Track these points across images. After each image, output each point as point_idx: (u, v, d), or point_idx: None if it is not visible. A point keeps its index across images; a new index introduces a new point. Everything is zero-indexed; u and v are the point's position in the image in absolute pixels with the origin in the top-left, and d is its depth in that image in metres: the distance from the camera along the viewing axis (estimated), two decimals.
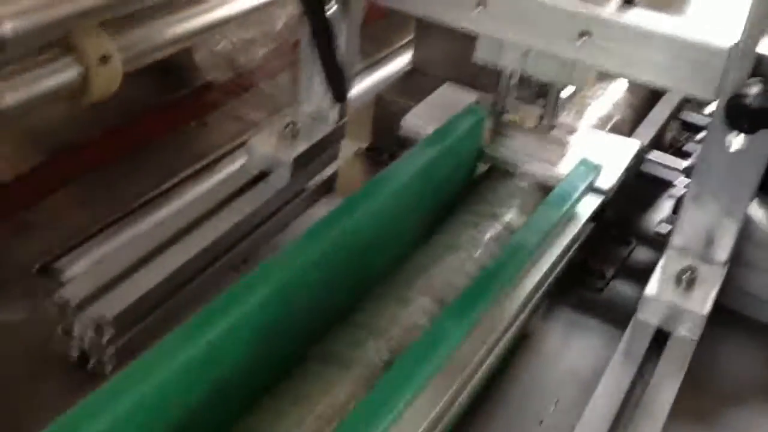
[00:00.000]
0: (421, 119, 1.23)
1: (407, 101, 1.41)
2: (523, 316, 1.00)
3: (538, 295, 1.02)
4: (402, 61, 1.75)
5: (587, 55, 1.05)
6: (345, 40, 1.18)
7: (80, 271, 1.07)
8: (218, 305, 0.78)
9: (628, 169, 1.20)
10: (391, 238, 1.02)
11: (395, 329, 0.90)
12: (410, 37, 1.64)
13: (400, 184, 1.01)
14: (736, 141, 0.94)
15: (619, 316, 1.15)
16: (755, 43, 0.93)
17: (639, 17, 1.02)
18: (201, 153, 1.34)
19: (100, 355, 0.95)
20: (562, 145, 1.18)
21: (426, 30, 1.57)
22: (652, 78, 1.04)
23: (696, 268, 1.04)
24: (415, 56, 1.60)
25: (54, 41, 1.06)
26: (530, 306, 1.01)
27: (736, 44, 0.95)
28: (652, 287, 1.03)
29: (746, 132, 0.93)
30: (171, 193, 1.21)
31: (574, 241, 1.09)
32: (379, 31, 1.88)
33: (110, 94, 1.10)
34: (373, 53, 1.76)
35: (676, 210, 1.23)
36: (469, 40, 1.18)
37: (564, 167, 1.16)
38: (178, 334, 0.75)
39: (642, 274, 1.23)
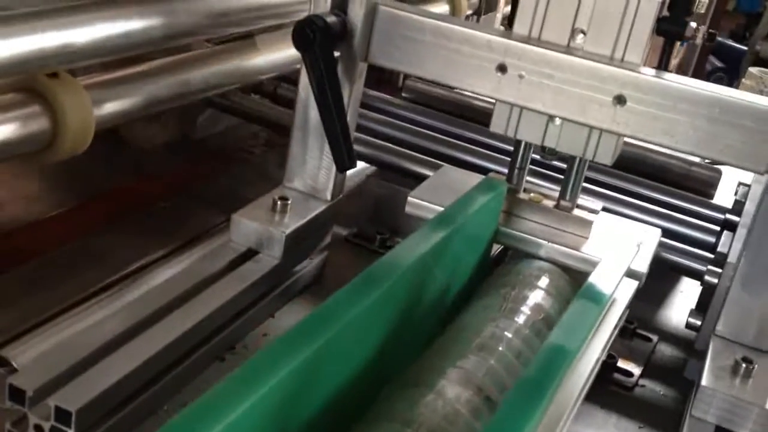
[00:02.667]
0: (429, 196, 1.10)
1: (399, 185, 1.32)
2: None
3: (582, 397, 0.88)
4: None
5: (621, 123, 0.96)
6: (347, 108, 1.07)
7: (37, 356, 0.88)
8: None
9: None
10: (412, 321, 0.87)
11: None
12: None
13: (416, 260, 0.87)
14: None
15: (655, 416, 1.03)
16: None
17: (680, 80, 0.94)
18: (182, 228, 1.18)
19: None
20: (586, 226, 1.07)
21: None
22: (694, 148, 0.95)
23: (752, 359, 0.92)
24: None
25: (18, 86, 0.91)
26: (573, 414, 0.86)
27: None
28: (707, 380, 0.90)
29: None
30: (147, 270, 1.04)
31: (614, 331, 0.96)
32: None
33: (80, 151, 0.94)
34: None
35: (704, 299, 1.13)
36: None
37: (590, 249, 1.05)
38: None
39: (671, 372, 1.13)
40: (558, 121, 1.02)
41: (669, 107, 0.94)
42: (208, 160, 1.45)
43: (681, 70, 3.64)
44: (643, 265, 1.03)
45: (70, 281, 1.02)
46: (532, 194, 1.10)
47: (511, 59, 0.99)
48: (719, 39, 4.53)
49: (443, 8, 2.00)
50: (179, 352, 0.90)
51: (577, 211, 1.09)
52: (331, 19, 1.01)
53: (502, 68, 1.00)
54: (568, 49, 0.99)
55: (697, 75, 3.97)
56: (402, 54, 1.05)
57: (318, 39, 0.98)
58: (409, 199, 1.11)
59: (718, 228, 1.29)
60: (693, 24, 0.97)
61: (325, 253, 1.18)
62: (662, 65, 0.99)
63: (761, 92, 2.69)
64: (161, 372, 0.88)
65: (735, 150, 0.92)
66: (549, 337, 0.82)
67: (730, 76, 4.65)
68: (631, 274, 1.01)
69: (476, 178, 1.15)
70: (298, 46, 0.99)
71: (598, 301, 0.91)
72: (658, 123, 0.95)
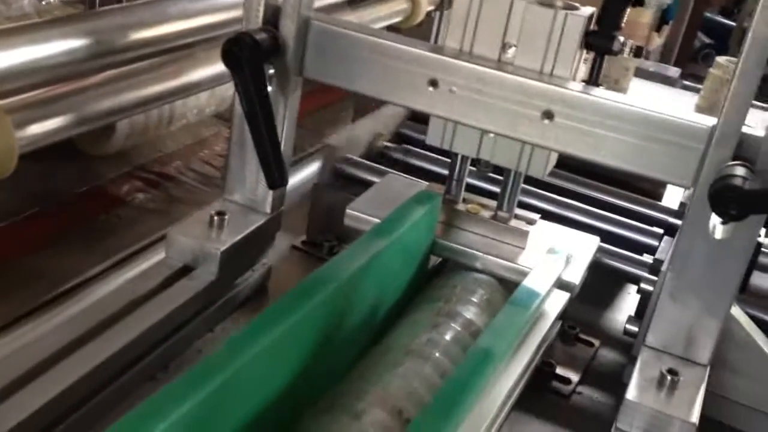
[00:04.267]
0: (367, 208, 1.11)
1: (345, 192, 1.31)
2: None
3: (507, 407, 0.89)
4: None
5: (550, 138, 0.97)
6: (281, 123, 1.07)
7: None
8: None
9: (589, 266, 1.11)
10: (338, 341, 0.88)
11: None
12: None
13: (346, 278, 0.88)
14: (722, 229, 0.85)
15: (590, 425, 1.04)
16: (740, 121, 0.86)
17: (607, 96, 0.95)
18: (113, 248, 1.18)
19: None
20: (522, 237, 1.08)
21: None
22: (621, 163, 0.95)
23: (678, 371, 0.93)
24: None
25: None
26: (500, 420, 0.88)
27: (717, 123, 0.88)
28: (632, 393, 0.91)
29: (734, 219, 0.84)
30: (81, 288, 1.04)
31: (543, 342, 0.97)
32: (317, 122, 1.80)
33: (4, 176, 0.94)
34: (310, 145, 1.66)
35: (641, 308, 1.13)
36: None
37: (525, 260, 1.05)
38: None
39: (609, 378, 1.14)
40: (492, 134, 1.02)
41: (596, 123, 0.94)
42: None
43: (666, 48, 3.60)
44: (575, 276, 1.04)
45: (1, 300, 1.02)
46: (469, 205, 1.11)
47: (442, 75, 1.00)
48: (708, 15, 4.52)
49: (405, 5, 1.99)
50: (109, 373, 0.90)
51: (514, 222, 1.10)
52: (261, 36, 1.00)
53: (433, 83, 1.00)
54: (498, 64, 0.99)
55: (684, 52, 3.92)
56: (336, 69, 1.05)
57: (246, 56, 0.98)
58: (348, 211, 1.11)
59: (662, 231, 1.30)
60: (621, 38, 0.98)
61: (268, 264, 1.19)
62: (592, 80, 0.99)
63: (727, 81, 2.68)
64: (91, 394, 0.88)
65: (661, 165, 0.93)
66: (470, 350, 0.84)
67: (719, 53, 4.64)
68: (562, 284, 1.02)
69: (417, 187, 1.16)
70: (227, 64, 0.99)
71: (522, 312, 0.92)
72: (586, 138, 0.95)
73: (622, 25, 0.98)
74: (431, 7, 2.09)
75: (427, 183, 1.18)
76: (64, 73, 1.04)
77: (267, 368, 0.76)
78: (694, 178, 0.91)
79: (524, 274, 1.03)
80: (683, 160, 0.91)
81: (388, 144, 1.49)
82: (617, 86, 1.98)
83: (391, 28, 2.00)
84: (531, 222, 1.10)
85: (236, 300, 1.12)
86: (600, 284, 1.24)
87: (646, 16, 2.00)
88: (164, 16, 1.20)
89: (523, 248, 1.07)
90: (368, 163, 1.38)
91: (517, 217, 1.11)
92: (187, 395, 0.67)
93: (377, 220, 1.05)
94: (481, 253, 1.06)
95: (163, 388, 0.67)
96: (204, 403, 0.67)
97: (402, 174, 1.30)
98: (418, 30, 2.07)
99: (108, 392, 0.90)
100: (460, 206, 1.11)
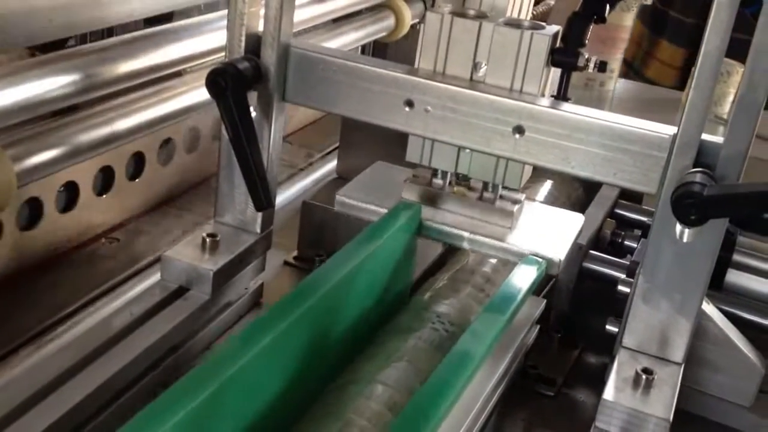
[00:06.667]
0: (356, 194, 1.15)
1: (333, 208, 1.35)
2: None
3: (488, 409, 0.94)
4: (328, 168, 1.72)
5: (522, 152, 1.02)
6: (267, 147, 1.12)
7: None
8: None
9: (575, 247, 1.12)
10: (326, 348, 0.92)
11: None
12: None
13: (330, 287, 0.92)
14: (688, 233, 0.90)
15: (576, 424, 1.08)
16: (698, 129, 0.91)
17: (574, 110, 0.99)
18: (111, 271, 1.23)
19: None
20: (508, 216, 1.10)
21: (350, 137, 1.55)
22: (590, 173, 1.00)
23: (653, 370, 0.98)
24: (339, 164, 1.56)
25: None
26: (481, 421, 0.92)
27: (678, 132, 0.92)
28: (609, 393, 0.96)
29: (696, 224, 0.88)
30: (79, 313, 1.09)
31: (522, 345, 1.01)
32: (305, 139, 1.85)
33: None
34: (299, 161, 1.71)
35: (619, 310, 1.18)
36: (393, 146, 1.14)
37: (511, 240, 1.07)
38: None
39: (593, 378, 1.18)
40: (468, 150, 1.07)
41: (565, 136, 0.99)
42: None
43: None
44: (560, 252, 1.06)
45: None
46: (455, 188, 1.13)
47: (417, 95, 1.04)
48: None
49: (389, 21, 2.04)
50: (109, 395, 0.95)
51: (499, 203, 1.11)
52: (244, 65, 1.05)
53: (409, 104, 1.05)
54: (470, 83, 1.04)
55: None
56: (317, 93, 1.10)
57: (230, 86, 1.02)
58: (338, 197, 1.15)
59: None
60: (585, 54, 1.02)
61: (261, 280, 1.23)
62: (560, 94, 1.04)
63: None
64: (92, 415, 0.93)
65: (628, 173, 0.98)
66: (448, 354, 0.88)
67: None
68: (546, 261, 1.04)
69: (405, 173, 1.17)
70: (211, 93, 1.03)
71: (500, 316, 0.96)
72: (556, 151, 1.00)
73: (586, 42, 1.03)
74: (415, 20, 2.14)
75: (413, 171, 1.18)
76: (57, 106, 1.09)
77: (257, 376, 0.80)
78: (659, 185, 0.95)
79: (510, 253, 1.06)
80: (647, 169, 0.95)
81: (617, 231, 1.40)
82: (603, 88, 2.03)
83: (377, 43, 2.06)
84: (517, 201, 1.11)
85: (232, 316, 1.17)
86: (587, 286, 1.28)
87: (628, 18, 2.04)
88: (153, 47, 1.25)
89: (510, 228, 1.08)
90: (612, 258, 1.30)
91: (502, 197, 1.11)
92: (176, 406, 0.71)
93: (368, 206, 1.09)
94: (467, 233, 1.08)
95: (154, 401, 0.71)
96: (193, 413, 0.71)
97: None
98: (404, 42, 2.12)
99: (109, 413, 0.95)
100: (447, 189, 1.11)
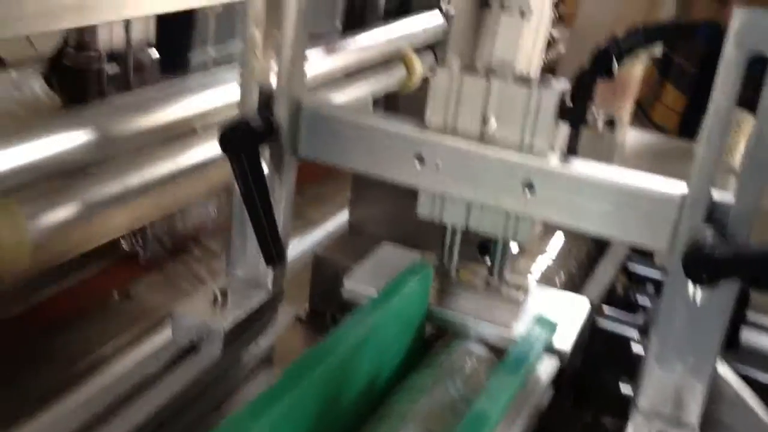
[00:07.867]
0: (363, 280, 1.15)
1: (346, 261, 1.35)
2: None
3: None
4: (339, 220, 1.72)
5: (532, 207, 1.01)
6: (278, 202, 1.12)
7: None
8: None
9: (582, 329, 1.13)
10: (338, 412, 0.92)
11: None
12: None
13: (344, 351, 0.92)
14: (699, 294, 0.89)
15: None
16: (708, 187, 0.90)
17: (583, 167, 0.99)
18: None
19: None
20: (514, 304, 1.12)
21: (362, 189, 1.55)
22: (600, 230, 0.99)
23: None
24: (351, 216, 1.56)
25: None
26: None
27: (688, 190, 0.92)
28: None
29: (707, 284, 0.88)
30: (90, 370, 1.09)
31: (535, 408, 1.00)
32: (316, 192, 1.86)
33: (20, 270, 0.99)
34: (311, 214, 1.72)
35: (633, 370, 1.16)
36: (405, 198, 1.14)
37: (518, 327, 1.09)
38: None
39: None
40: (477, 206, 1.07)
41: (575, 193, 0.99)
42: None
43: None
44: (566, 342, 1.07)
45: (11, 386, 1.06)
46: (460, 273, 1.14)
47: (428, 150, 1.05)
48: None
49: (401, 72, 2.06)
50: None
51: (505, 289, 1.13)
52: (256, 122, 1.06)
53: (420, 159, 1.05)
54: (480, 138, 1.04)
55: None
56: (329, 148, 1.11)
57: (242, 142, 1.03)
58: (345, 283, 1.15)
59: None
60: (594, 110, 1.02)
61: (273, 336, 1.23)
62: (571, 149, 1.04)
63: None
64: None
65: (637, 231, 0.97)
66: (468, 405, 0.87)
67: None
68: (553, 351, 1.05)
69: (411, 256, 1.19)
70: (224, 149, 1.04)
71: (513, 378, 0.95)
72: (566, 207, 0.99)
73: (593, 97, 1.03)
74: (427, 73, 2.16)
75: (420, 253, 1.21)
76: (71, 163, 1.10)
77: None
78: (669, 243, 0.94)
79: (515, 341, 1.06)
80: (658, 227, 0.95)
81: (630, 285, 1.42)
82: (612, 138, 2.03)
83: (390, 94, 2.08)
84: (523, 288, 1.13)
85: (242, 373, 1.16)
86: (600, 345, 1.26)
87: (637, 69, 2.05)
88: (167, 102, 1.26)
89: (516, 316, 1.10)
90: (624, 317, 1.28)
91: (508, 284, 1.14)
92: None
93: (374, 291, 1.09)
94: (472, 322, 1.09)
95: None
96: None
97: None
98: (418, 93, 2.14)
99: None
100: (453, 275, 1.14)
